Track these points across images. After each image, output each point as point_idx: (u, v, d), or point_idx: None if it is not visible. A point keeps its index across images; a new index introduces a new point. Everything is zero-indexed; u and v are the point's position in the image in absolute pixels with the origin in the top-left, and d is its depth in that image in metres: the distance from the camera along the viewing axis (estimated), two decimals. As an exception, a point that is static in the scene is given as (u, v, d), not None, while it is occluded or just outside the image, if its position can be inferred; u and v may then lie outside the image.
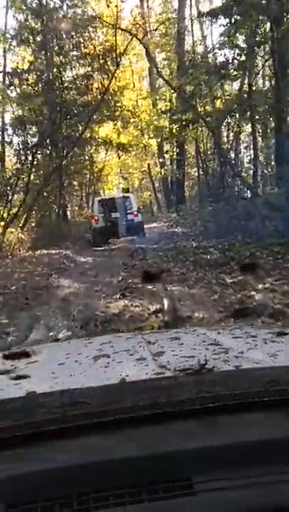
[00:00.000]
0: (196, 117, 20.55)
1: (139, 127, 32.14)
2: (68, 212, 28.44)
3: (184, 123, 23.11)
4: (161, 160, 39.69)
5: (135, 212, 19.95)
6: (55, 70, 22.28)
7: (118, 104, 26.29)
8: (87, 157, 28.69)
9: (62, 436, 0.86)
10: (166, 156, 37.02)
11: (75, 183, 29.30)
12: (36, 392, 0.99)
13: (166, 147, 37.04)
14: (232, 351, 1.28)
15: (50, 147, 22.61)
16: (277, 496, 0.81)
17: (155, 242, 14.57)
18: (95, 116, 22.91)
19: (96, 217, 19.57)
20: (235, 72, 19.11)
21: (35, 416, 0.88)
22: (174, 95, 25.90)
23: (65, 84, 22.60)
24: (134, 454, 0.84)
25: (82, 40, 21.81)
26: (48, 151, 22.55)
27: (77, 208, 34.56)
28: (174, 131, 26.08)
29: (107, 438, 0.86)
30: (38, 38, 21.47)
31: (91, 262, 13.41)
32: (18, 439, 0.84)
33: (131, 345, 1.42)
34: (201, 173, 24.89)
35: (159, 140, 36.58)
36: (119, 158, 38.77)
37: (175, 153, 30.63)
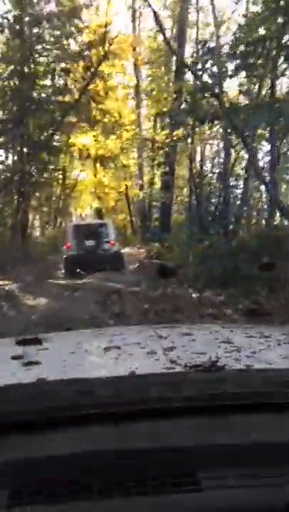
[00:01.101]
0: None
1: (123, 138, 26.68)
2: (32, 231, 22.60)
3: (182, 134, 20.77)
4: (140, 182, 37.15)
5: (112, 241, 18.39)
6: (30, 61, 20.41)
7: (100, 107, 20.99)
8: (58, 168, 22.91)
9: (69, 424, 0.87)
10: (145, 178, 35.27)
11: (41, 196, 23.55)
12: (46, 379, 0.99)
13: (147, 168, 35.30)
14: (244, 350, 1.25)
15: (12, 149, 17.26)
16: (284, 497, 0.82)
17: (137, 282, 12.36)
18: (71, 119, 17.62)
19: (69, 244, 18.00)
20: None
21: (44, 402, 0.89)
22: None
23: (40, 81, 17.30)
24: (141, 447, 0.85)
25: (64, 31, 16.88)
26: (9, 153, 17.22)
27: (44, 226, 27.30)
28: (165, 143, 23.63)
29: (113, 429, 0.87)
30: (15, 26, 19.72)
31: (42, 308, 9.61)
32: (26, 424, 0.86)
33: (142, 339, 1.38)
34: (193, 197, 23.07)
35: (139, 160, 34.81)
36: (95, 176, 36.13)
37: (160, 172, 28.82)
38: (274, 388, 0.97)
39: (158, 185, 37.57)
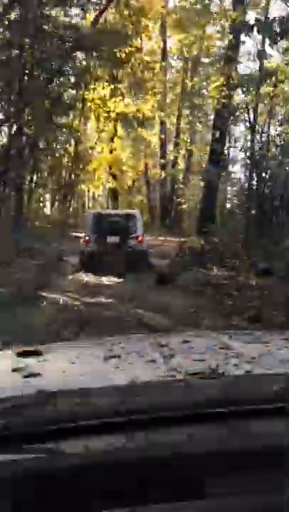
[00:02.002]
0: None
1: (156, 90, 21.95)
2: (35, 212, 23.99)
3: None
4: (161, 160, 33.15)
5: (141, 238, 14.85)
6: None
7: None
8: (67, 131, 17.17)
9: (70, 435, 0.88)
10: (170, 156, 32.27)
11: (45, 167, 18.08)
12: (46, 390, 1.00)
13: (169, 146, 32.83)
14: (243, 356, 1.26)
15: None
16: (285, 503, 0.83)
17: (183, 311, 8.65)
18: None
19: (87, 238, 14.65)
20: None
21: (44, 414, 0.90)
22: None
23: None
24: (143, 456, 0.87)
25: None
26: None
27: (53, 205, 29.64)
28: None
29: (115, 439, 0.88)
30: None
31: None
32: (27, 436, 0.87)
33: (142, 347, 1.41)
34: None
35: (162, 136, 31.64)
36: (111, 152, 31.71)
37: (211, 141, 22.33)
38: (274, 393, 0.99)
39: (181, 166, 31.95)
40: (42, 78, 16.00)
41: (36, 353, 1.35)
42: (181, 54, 28.83)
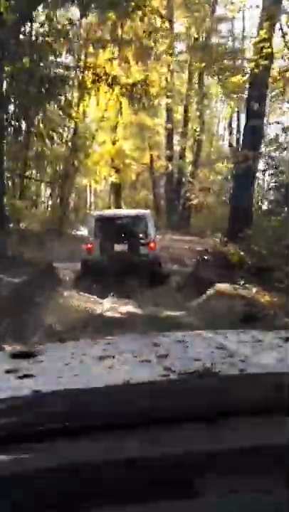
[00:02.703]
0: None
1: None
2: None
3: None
4: (168, 152, 30.60)
5: (153, 244, 12.28)
6: None
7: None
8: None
9: (65, 435, 0.89)
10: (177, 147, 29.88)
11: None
12: (41, 391, 1.03)
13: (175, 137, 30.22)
14: (238, 355, 1.28)
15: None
16: (281, 502, 0.84)
17: None
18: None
19: (90, 245, 12.25)
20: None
21: (39, 415, 0.91)
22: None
23: None
24: (137, 456, 0.88)
25: None
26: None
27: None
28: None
29: (110, 438, 0.89)
30: None
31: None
32: (22, 437, 0.88)
33: (136, 347, 1.43)
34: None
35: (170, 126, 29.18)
36: (114, 144, 29.24)
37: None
38: (269, 392, 1.00)
39: (189, 158, 28.59)
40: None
41: (30, 354, 1.35)
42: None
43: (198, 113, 29.41)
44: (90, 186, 35.05)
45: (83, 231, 20.41)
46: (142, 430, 0.91)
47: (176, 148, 30.10)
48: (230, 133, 35.48)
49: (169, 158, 29.25)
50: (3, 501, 0.81)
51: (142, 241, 12.05)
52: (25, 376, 1.17)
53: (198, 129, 28.94)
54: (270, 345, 1.46)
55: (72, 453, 0.87)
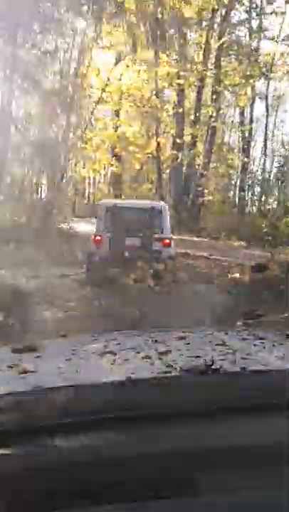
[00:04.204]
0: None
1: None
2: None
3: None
4: (178, 140, 25.39)
5: (169, 240, 11.35)
6: None
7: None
8: None
9: (66, 431, 0.90)
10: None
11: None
12: (42, 386, 1.03)
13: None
14: (239, 352, 1.28)
15: None
16: (281, 499, 0.87)
17: None
18: None
19: (99, 238, 11.18)
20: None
21: (41, 410, 0.93)
22: None
23: None
24: (138, 452, 0.90)
25: None
26: None
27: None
28: None
29: (111, 435, 0.91)
30: None
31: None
32: (24, 432, 0.90)
33: (137, 343, 1.42)
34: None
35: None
36: (117, 129, 25.10)
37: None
38: (270, 389, 1.02)
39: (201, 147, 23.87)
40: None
41: (32, 349, 1.37)
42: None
43: (214, 96, 24.62)
44: (89, 177, 30.23)
45: (80, 226, 18.83)
46: (143, 426, 0.93)
47: (187, 137, 25.38)
48: (242, 122, 31.00)
49: (179, 148, 24.53)
50: (3, 496, 0.83)
51: (156, 236, 11.10)
52: (27, 371, 1.17)
53: (213, 114, 24.15)
54: (272, 342, 1.44)
55: (71, 449, 0.88)
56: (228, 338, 1.44)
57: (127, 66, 21.87)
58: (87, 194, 39.55)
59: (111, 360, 1.26)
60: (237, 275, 10.84)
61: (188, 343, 1.40)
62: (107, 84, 20.83)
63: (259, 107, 34.01)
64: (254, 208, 31.69)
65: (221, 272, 11.99)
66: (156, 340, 1.42)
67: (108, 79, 20.90)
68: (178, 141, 26.35)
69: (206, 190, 24.41)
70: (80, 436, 0.88)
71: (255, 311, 6.52)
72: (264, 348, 1.36)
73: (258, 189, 31.55)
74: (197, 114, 26.34)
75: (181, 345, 1.37)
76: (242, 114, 30.62)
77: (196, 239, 21.80)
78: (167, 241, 11.29)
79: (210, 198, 24.84)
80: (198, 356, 1.18)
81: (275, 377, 1.05)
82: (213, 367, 1.05)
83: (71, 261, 12.75)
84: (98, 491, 0.84)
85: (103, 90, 21.24)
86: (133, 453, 0.88)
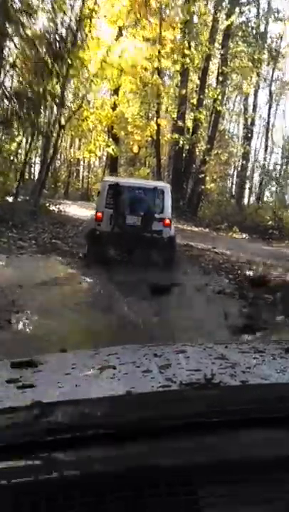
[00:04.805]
0: None
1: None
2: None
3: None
4: (180, 123, 23.51)
5: (169, 220, 11.29)
6: None
7: None
8: None
9: (65, 446, 0.89)
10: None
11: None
12: (41, 401, 0.99)
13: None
14: (239, 366, 1.26)
15: None
16: None
17: None
18: None
19: (100, 214, 11.15)
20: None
21: (39, 425, 0.91)
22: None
23: None
24: (139, 466, 0.88)
25: None
26: None
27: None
28: None
29: (111, 449, 0.90)
30: None
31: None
32: (22, 448, 0.88)
33: (137, 358, 1.39)
34: None
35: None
36: (115, 108, 22.81)
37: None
38: (270, 403, 0.99)
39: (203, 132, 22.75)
40: None
41: (31, 364, 1.35)
42: None
43: (220, 78, 22.75)
44: (84, 160, 28.60)
45: (73, 210, 18.44)
46: (143, 441, 0.92)
47: (189, 120, 23.67)
48: (246, 110, 29.40)
49: (180, 131, 22.74)
50: (4, 510, 0.85)
51: (156, 216, 11.05)
52: (26, 386, 1.16)
53: (219, 97, 22.29)
54: (272, 356, 1.42)
55: (71, 464, 0.87)
56: (227, 352, 1.43)
57: (128, 39, 20.22)
58: (81, 177, 37.91)
59: (111, 374, 1.23)
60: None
61: (188, 357, 1.39)
62: (106, 56, 19.07)
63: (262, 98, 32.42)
64: (252, 199, 30.42)
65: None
66: (156, 354, 1.40)
67: (107, 52, 19.15)
68: (179, 124, 24.97)
69: (207, 178, 22.88)
70: (79, 452, 0.88)
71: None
72: (264, 361, 1.34)
73: (257, 179, 30.38)
74: (201, 97, 24.90)
75: (181, 359, 1.36)
76: (245, 100, 29.15)
77: (195, 229, 20.33)
78: (168, 221, 11.27)
79: (212, 185, 23.40)
80: (199, 370, 1.16)
81: (276, 390, 1.05)
82: (213, 381, 1.04)
83: (54, 249, 12.11)
84: (97, 506, 0.83)
85: (102, 62, 19.46)
86: (133, 467, 0.87)
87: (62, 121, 19.32)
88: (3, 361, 1.41)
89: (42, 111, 18.77)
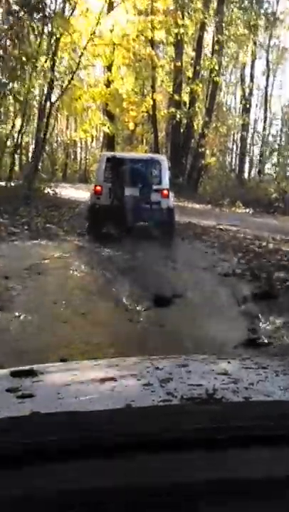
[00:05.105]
0: None
1: None
2: None
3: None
4: (176, 97, 22.93)
5: (166, 190, 11.32)
6: None
7: None
8: None
9: (63, 458, 0.87)
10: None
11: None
12: (40, 412, 0.97)
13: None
14: (242, 382, 1.21)
15: None
16: None
17: None
18: None
19: (99, 188, 11.31)
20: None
21: (38, 436, 0.89)
22: None
23: None
24: (137, 482, 0.86)
25: None
26: None
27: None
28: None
29: (109, 463, 0.88)
30: None
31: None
32: (19, 459, 0.86)
33: (138, 370, 1.35)
34: None
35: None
36: (109, 85, 21.72)
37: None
38: (273, 421, 0.96)
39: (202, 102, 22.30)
40: None
41: (31, 373, 1.31)
42: None
43: (216, 47, 21.63)
44: (80, 140, 27.90)
45: (70, 192, 18.08)
46: (142, 456, 0.89)
47: (185, 94, 22.68)
48: (243, 81, 28.30)
49: (177, 105, 21.76)
50: None
51: (155, 187, 11.18)
52: (25, 396, 1.13)
53: (216, 67, 21.19)
54: (276, 372, 1.38)
55: (68, 477, 0.85)
56: (230, 367, 1.39)
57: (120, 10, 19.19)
58: (79, 160, 36.99)
59: (111, 386, 1.21)
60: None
61: (190, 371, 1.34)
62: (96, 28, 18.06)
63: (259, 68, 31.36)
64: (252, 172, 29.50)
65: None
66: (157, 367, 1.36)
67: (97, 23, 18.13)
68: (176, 97, 23.91)
69: (207, 152, 21.98)
70: (76, 464, 0.86)
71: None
72: (267, 377, 1.28)
73: (257, 152, 29.45)
74: (197, 68, 23.83)
75: (182, 373, 1.31)
76: (242, 70, 28.05)
77: (197, 206, 19.52)
78: (165, 192, 11.42)
79: (212, 159, 22.48)
80: (201, 385, 1.13)
81: (279, 407, 1.03)
82: (215, 396, 1.03)
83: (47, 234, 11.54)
84: None
85: (92, 34, 18.44)
86: (131, 483, 0.85)
87: (54, 98, 18.67)
88: (3, 370, 1.36)
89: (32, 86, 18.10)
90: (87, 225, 11.51)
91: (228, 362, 1.49)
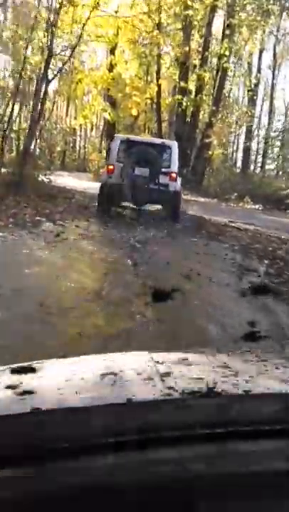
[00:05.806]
0: None
1: None
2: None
3: None
4: (182, 83, 20.83)
5: (175, 174, 11.65)
6: None
7: None
8: None
9: (65, 455, 0.86)
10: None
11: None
12: (41, 408, 0.95)
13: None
14: (242, 375, 1.22)
15: None
16: None
17: None
18: None
19: (111, 167, 11.75)
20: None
21: (39, 433, 0.89)
22: None
23: None
24: (138, 476, 0.86)
25: None
26: None
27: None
28: None
29: (111, 459, 0.87)
30: None
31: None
32: (20, 456, 0.85)
33: (138, 364, 1.34)
34: None
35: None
36: (111, 69, 20.27)
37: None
38: (274, 414, 0.96)
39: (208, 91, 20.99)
40: None
41: (31, 370, 1.31)
42: None
43: (227, 32, 19.85)
44: (80, 127, 26.13)
45: (68, 181, 17.70)
46: (143, 450, 0.89)
47: (192, 82, 21.01)
48: (250, 70, 26.68)
49: (182, 93, 19.99)
50: None
51: (164, 170, 11.55)
52: (25, 392, 1.12)
53: (226, 53, 19.44)
54: (275, 365, 1.39)
55: (70, 474, 0.85)
56: (230, 360, 1.41)
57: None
58: (78, 148, 35.24)
59: (111, 381, 1.20)
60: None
61: (191, 365, 1.34)
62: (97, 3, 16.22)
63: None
64: (253, 167, 27.92)
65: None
66: (157, 361, 1.35)
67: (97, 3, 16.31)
68: (182, 84, 22.17)
69: (215, 142, 20.32)
70: (77, 461, 0.85)
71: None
72: (267, 370, 1.31)
73: (262, 146, 27.91)
74: (206, 53, 22.14)
75: (183, 367, 1.31)
76: (249, 59, 26.36)
77: (202, 199, 17.98)
78: (174, 175, 11.77)
79: (220, 151, 20.87)
80: (201, 378, 1.12)
81: (279, 400, 1.02)
82: (215, 390, 1.03)
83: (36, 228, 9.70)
84: None
85: (94, 8, 16.60)
86: (133, 478, 0.85)
87: (51, 75, 16.81)
88: (3, 366, 1.33)
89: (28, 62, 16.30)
90: (96, 201, 12.01)
91: (228, 355, 1.49)
